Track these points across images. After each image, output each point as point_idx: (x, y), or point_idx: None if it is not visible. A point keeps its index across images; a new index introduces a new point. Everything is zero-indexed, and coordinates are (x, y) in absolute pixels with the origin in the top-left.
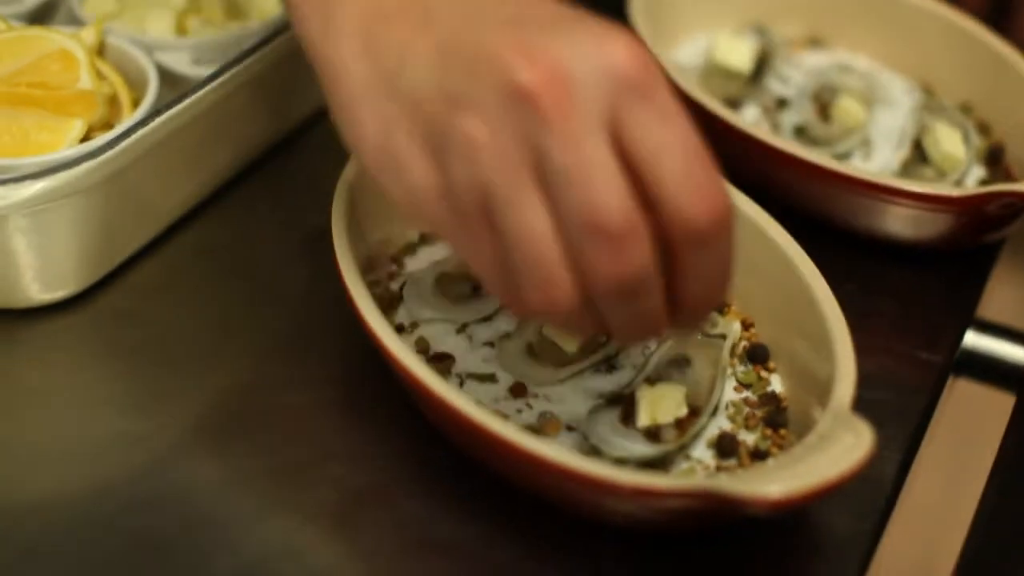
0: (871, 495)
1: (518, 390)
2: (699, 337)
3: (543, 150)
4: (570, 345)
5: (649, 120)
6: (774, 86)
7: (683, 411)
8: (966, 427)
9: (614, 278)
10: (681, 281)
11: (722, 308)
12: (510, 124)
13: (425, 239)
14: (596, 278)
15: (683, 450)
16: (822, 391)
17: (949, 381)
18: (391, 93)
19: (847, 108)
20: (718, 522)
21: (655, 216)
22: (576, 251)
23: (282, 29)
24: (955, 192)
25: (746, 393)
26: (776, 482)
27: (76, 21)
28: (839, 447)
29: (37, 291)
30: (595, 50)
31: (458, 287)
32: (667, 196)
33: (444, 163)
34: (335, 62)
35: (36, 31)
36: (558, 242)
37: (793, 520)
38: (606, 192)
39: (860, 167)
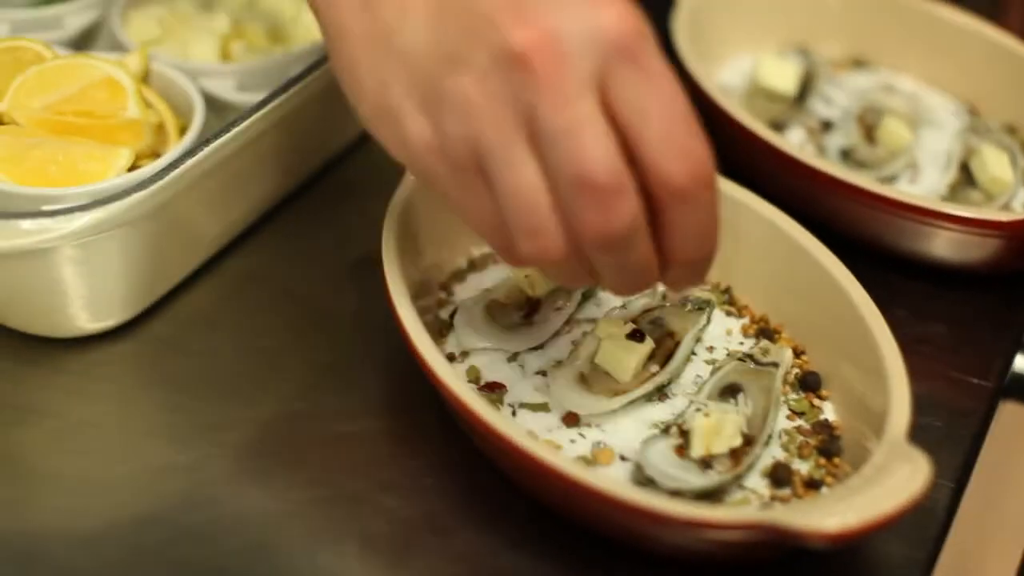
0: (924, 523)
1: (571, 420)
2: (752, 365)
3: (534, 109)
4: (623, 374)
5: (636, 83)
6: (818, 108)
7: (737, 441)
8: (1017, 452)
9: (602, 230)
10: (667, 236)
11: (773, 336)
12: (503, 84)
13: (474, 266)
14: (585, 230)
15: (737, 480)
16: (876, 419)
17: (1000, 405)
18: (389, 50)
19: (893, 130)
20: (772, 553)
21: (641, 173)
22: (566, 205)
23: (326, 55)
24: (1003, 217)
25: (799, 421)
26: (834, 515)
27: (118, 46)
28: (896, 478)
29: (85, 320)
30: (587, 14)
31: (508, 315)
32: (650, 155)
33: (439, 119)
34: (336, 20)
35: (82, 59)
36: (548, 195)
37: (846, 550)
38: (594, 149)
39: (907, 191)
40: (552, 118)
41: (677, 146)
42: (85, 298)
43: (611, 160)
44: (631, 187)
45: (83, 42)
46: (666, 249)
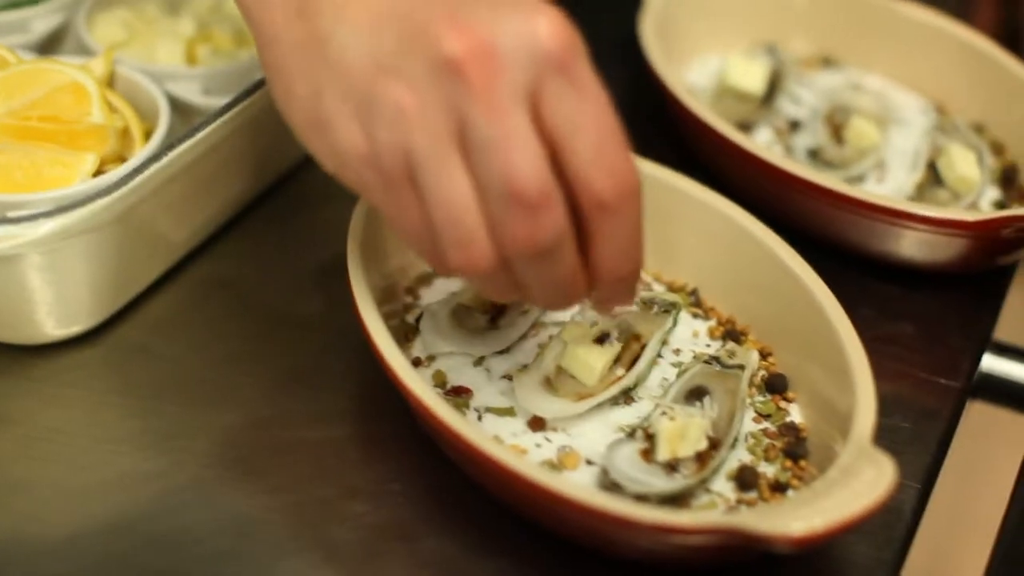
0: (891, 524)
1: (537, 424)
2: (718, 368)
3: (467, 119)
4: (589, 377)
5: (569, 96)
6: (786, 107)
7: (703, 444)
8: (984, 451)
9: (529, 242)
10: (594, 249)
11: (740, 338)
12: (437, 93)
13: None
14: (513, 241)
15: (703, 483)
16: (842, 421)
17: (967, 405)
18: (323, 58)
19: (860, 129)
20: (739, 557)
21: (569, 186)
22: (495, 216)
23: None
24: (970, 216)
25: (765, 424)
26: (799, 519)
27: (85, 49)
28: (861, 482)
29: (51, 327)
30: (522, 26)
31: (475, 319)
32: (579, 169)
33: (371, 128)
34: (268, 24)
35: (47, 63)
36: (478, 205)
37: (813, 552)
38: (524, 162)
39: (874, 191)
40: (484, 128)
41: (606, 162)
42: (51, 304)
43: (540, 172)
44: (559, 200)
45: (49, 45)
46: (593, 263)
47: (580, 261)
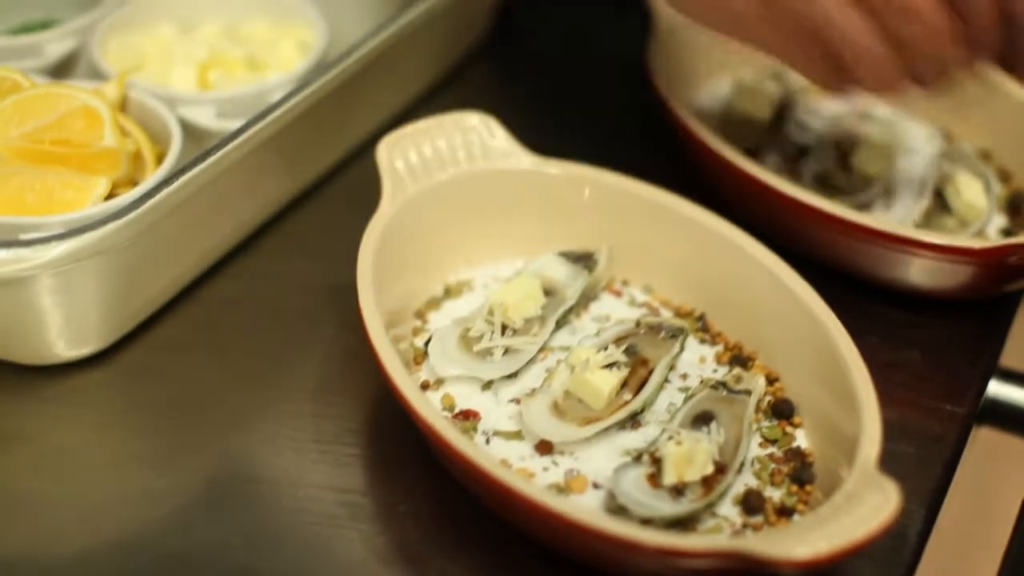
0: (896, 548)
1: (544, 448)
2: (724, 393)
3: None
4: (596, 402)
5: None
6: (793, 133)
7: (709, 468)
8: (991, 477)
9: (927, 40)
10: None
11: (747, 363)
12: None
13: (449, 293)
14: (913, 38)
15: (709, 507)
16: (848, 446)
17: (973, 430)
18: None
19: (868, 157)
20: None
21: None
22: (892, 30)
23: (304, 82)
24: (977, 244)
25: (772, 449)
26: (804, 543)
27: (97, 74)
28: (866, 507)
29: (62, 348)
30: None
31: (483, 343)
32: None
33: None
34: None
35: (59, 88)
36: (876, 33)
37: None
38: None
39: (881, 218)
40: None
41: None
42: (62, 326)
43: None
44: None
45: (62, 69)
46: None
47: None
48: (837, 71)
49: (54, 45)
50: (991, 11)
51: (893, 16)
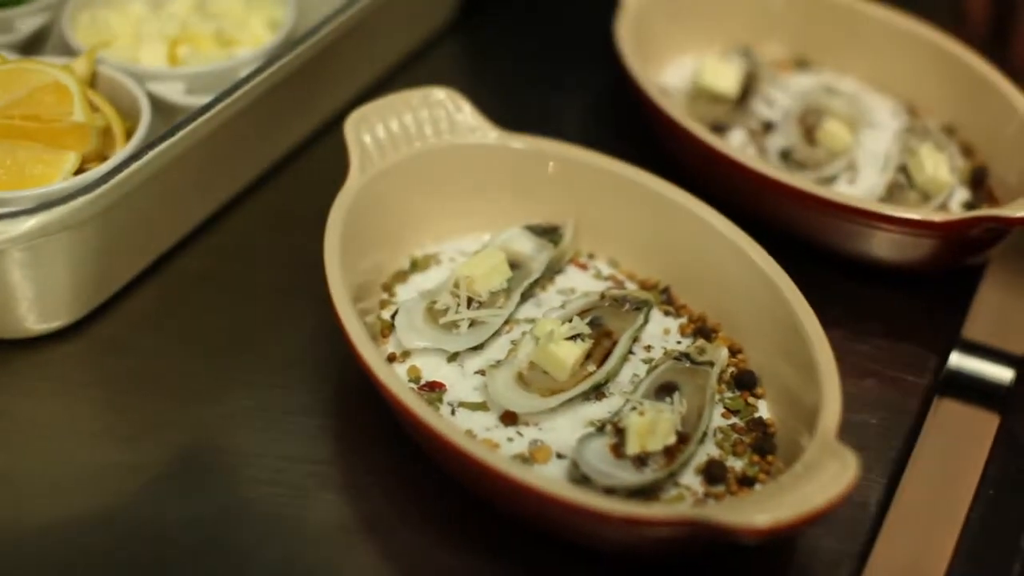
0: (858, 518)
1: (509, 418)
2: (688, 364)
3: None
4: (560, 373)
5: None
6: (760, 109)
7: (672, 439)
8: (952, 447)
9: None
10: None
11: (710, 335)
12: None
13: (416, 266)
14: None
15: (672, 477)
16: (809, 417)
17: (935, 402)
18: None
19: (833, 131)
20: (708, 548)
21: None
22: None
23: (273, 58)
24: (939, 217)
25: (734, 419)
26: (763, 512)
27: (68, 49)
28: (825, 476)
29: (32, 322)
30: None
31: (449, 315)
32: None
33: None
34: None
35: (30, 64)
36: None
37: (781, 544)
38: None
39: (846, 192)
40: None
41: None
42: (32, 300)
43: None
44: None
45: (33, 45)
46: None
47: None
48: None
49: (25, 20)
50: None
51: None
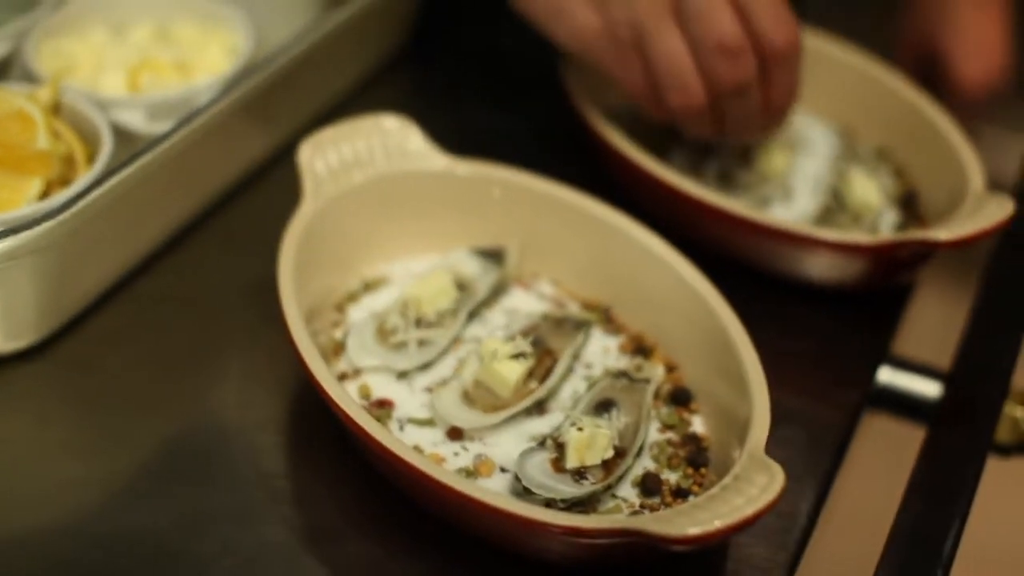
0: (787, 528)
1: (455, 434)
2: (626, 381)
3: None
4: (504, 390)
5: None
6: None
7: (609, 453)
8: (879, 459)
9: (733, 80)
10: (768, 88)
11: (648, 353)
12: None
13: (368, 287)
14: (720, 81)
15: (609, 490)
16: (741, 431)
17: (865, 416)
18: None
19: (769, 155)
20: (644, 557)
21: (753, 40)
22: (705, 65)
23: (230, 85)
24: (867, 240)
25: (669, 434)
26: (694, 522)
27: (31, 77)
28: (754, 488)
29: None
30: None
31: (398, 335)
32: (761, 28)
33: (605, 10)
34: None
35: None
36: (691, 59)
37: (713, 552)
38: (726, 22)
39: (779, 214)
40: (695, 2)
41: (780, 22)
42: None
43: (738, 29)
44: (750, 48)
45: None
46: (768, 98)
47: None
48: (655, 90)
49: None
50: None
51: (705, 47)
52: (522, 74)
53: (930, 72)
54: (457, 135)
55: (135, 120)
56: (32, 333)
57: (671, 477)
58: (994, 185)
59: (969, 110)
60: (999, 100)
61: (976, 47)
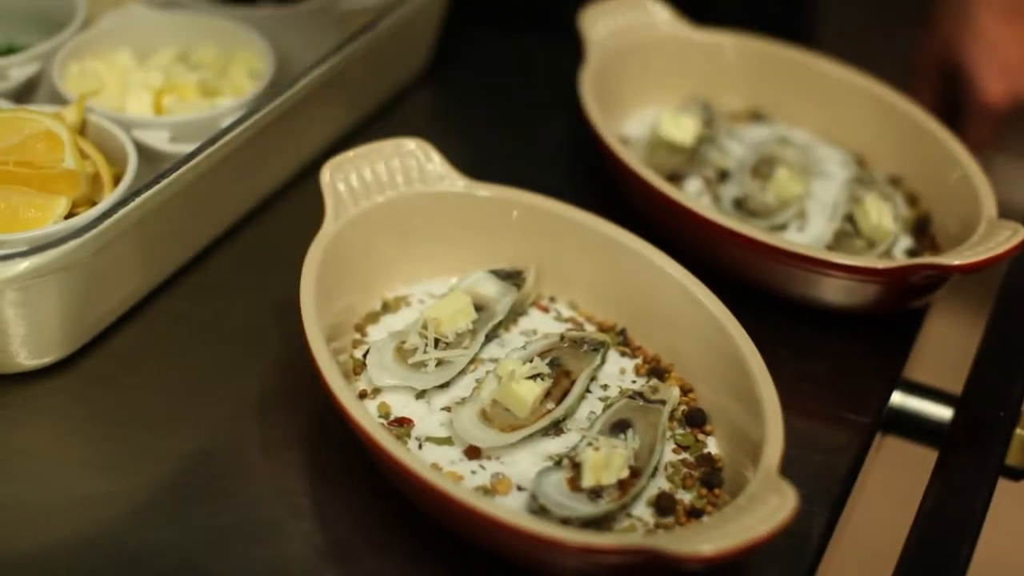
0: (800, 549)
1: (473, 453)
2: (641, 402)
3: None
4: (521, 410)
5: None
6: (715, 158)
7: (625, 473)
8: (891, 482)
9: None
10: None
11: (663, 375)
12: None
13: (387, 308)
14: None
15: (624, 509)
16: (755, 452)
17: (877, 439)
18: None
19: (785, 180)
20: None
21: None
22: None
23: (253, 108)
24: (881, 264)
25: (684, 455)
26: (708, 541)
27: (58, 98)
28: (766, 508)
29: (24, 357)
30: None
31: (417, 355)
32: None
33: None
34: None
35: (23, 112)
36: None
37: (727, 573)
38: None
39: (795, 239)
40: None
41: None
42: (24, 337)
43: None
44: None
45: (25, 93)
46: None
47: None
48: None
49: (17, 70)
50: None
51: None
52: (540, 98)
53: (953, 89)
54: (475, 157)
55: (159, 141)
56: (57, 350)
57: (685, 497)
58: (1006, 212)
59: (992, 128)
60: (1013, 126)
61: (1002, 63)
